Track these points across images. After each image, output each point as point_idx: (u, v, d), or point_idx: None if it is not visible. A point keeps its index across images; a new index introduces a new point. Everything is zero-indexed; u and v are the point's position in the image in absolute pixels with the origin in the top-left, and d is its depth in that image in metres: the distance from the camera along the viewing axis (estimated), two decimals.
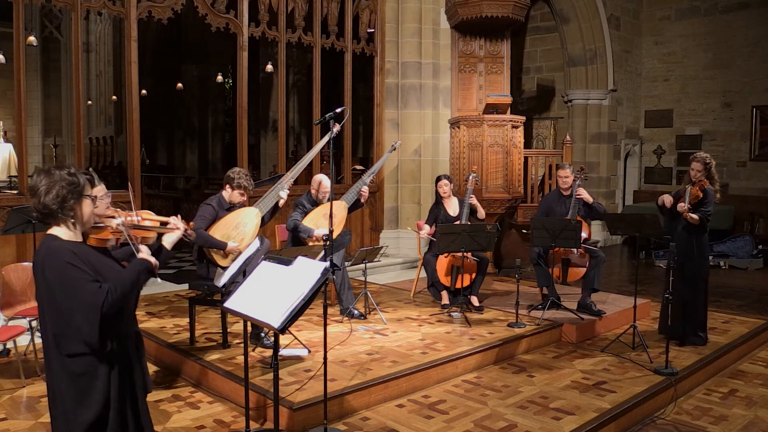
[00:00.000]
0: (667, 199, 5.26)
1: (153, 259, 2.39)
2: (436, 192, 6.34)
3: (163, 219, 4.29)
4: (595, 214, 5.99)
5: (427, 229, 6.25)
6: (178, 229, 2.64)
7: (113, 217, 3.64)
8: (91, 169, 2.47)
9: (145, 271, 2.35)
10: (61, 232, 2.26)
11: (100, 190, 2.47)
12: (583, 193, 5.90)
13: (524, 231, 7.37)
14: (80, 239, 2.31)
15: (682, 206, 5.05)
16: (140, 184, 6.48)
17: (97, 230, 2.37)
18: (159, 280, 2.66)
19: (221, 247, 4.79)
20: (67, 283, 2.14)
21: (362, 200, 6.11)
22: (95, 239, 2.36)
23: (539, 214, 6.18)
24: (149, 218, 4.11)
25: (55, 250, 2.18)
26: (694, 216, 5.05)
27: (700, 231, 5.18)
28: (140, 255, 2.38)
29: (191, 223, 4.67)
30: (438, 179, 6.34)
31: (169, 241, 2.61)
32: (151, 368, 4.53)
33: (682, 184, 5.32)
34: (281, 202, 5.36)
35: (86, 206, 2.29)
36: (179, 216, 2.74)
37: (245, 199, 5.10)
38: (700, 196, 5.07)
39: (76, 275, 2.14)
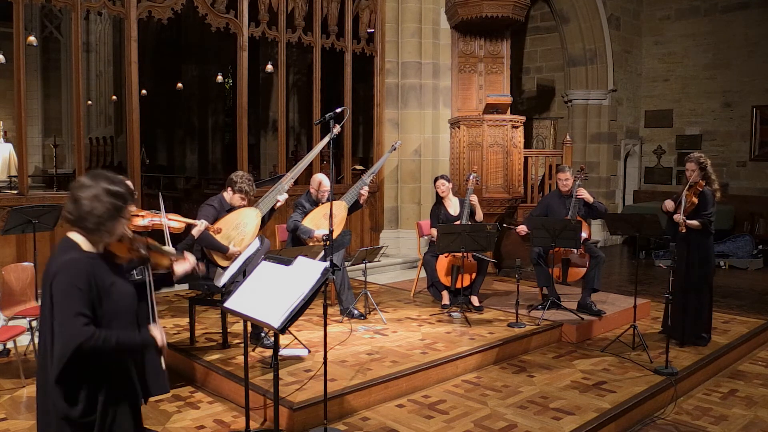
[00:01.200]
0: (669, 204, 5.24)
1: (161, 339, 2.29)
2: (437, 192, 6.34)
3: (190, 221, 4.30)
4: (596, 213, 5.99)
5: (434, 233, 6.21)
6: (188, 261, 2.62)
7: (139, 215, 3.63)
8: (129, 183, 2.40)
9: (146, 348, 2.27)
10: (82, 240, 2.21)
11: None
12: (584, 193, 5.90)
13: (505, 225, 7.36)
14: (100, 251, 2.24)
15: (678, 217, 4.99)
16: (140, 184, 6.48)
17: (116, 243, 2.32)
18: (163, 366, 2.52)
19: (223, 250, 4.80)
20: (63, 306, 2.07)
21: (361, 201, 6.10)
22: (111, 252, 2.31)
23: (537, 212, 6.18)
24: (176, 219, 4.13)
25: (72, 266, 2.11)
26: (694, 222, 5.02)
27: (705, 234, 5.13)
28: (153, 329, 2.29)
29: (219, 227, 4.71)
30: (436, 179, 6.34)
31: (180, 270, 2.59)
32: None
33: (681, 186, 5.30)
34: (278, 205, 5.36)
35: (119, 226, 2.24)
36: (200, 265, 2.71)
37: (245, 203, 5.11)
38: (695, 203, 5.03)
39: (74, 304, 2.06)
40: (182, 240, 4.60)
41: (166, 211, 4.00)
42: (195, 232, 4.38)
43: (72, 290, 2.07)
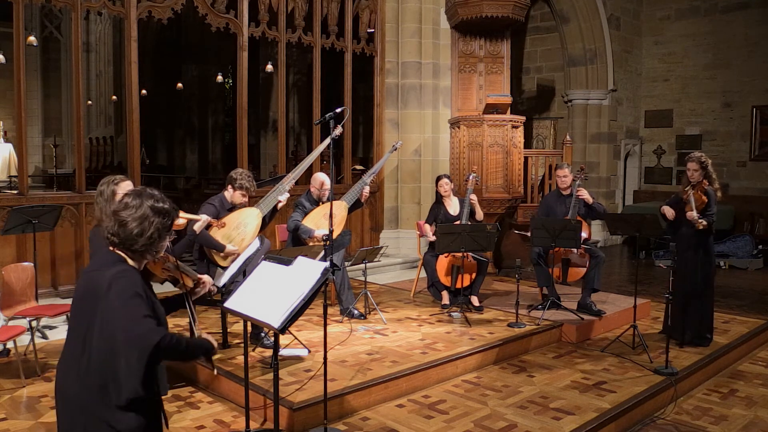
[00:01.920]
0: (669, 212, 5.22)
1: (216, 344, 2.27)
2: (437, 191, 6.34)
3: (192, 216, 4.31)
4: (595, 214, 5.99)
5: (428, 230, 6.21)
6: (207, 284, 2.64)
7: None
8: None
9: (205, 352, 2.21)
10: (127, 257, 2.14)
11: (127, 185, 2.40)
12: (584, 193, 5.90)
13: (516, 231, 7.36)
14: (141, 269, 2.19)
15: (693, 215, 4.98)
16: (140, 184, 6.47)
17: (152, 263, 2.28)
18: (215, 372, 2.56)
19: (219, 248, 4.80)
20: (130, 310, 1.99)
21: (362, 200, 6.11)
22: (148, 270, 2.27)
23: (539, 214, 6.18)
24: (180, 215, 4.13)
25: (128, 275, 2.05)
26: (705, 222, 5.02)
27: (708, 233, 5.14)
28: (206, 336, 2.27)
29: (223, 221, 4.73)
30: (438, 178, 6.34)
31: (199, 293, 2.59)
32: None
33: (681, 186, 5.30)
34: (279, 206, 5.35)
35: (165, 244, 2.19)
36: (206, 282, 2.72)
37: (246, 200, 5.10)
38: (705, 202, 5.03)
39: (141, 307, 2.00)
40: (182, 236, 4.59)
41: None
42: (197, 227, 4.38)
43: (135, 297, 2.01)
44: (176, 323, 5.44)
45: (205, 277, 2.64)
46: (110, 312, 2.00)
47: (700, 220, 4.98)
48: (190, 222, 4.44)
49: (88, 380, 2.04)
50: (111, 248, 2.15)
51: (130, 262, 2.14)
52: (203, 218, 4.53)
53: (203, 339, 2.23)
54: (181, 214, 4.23)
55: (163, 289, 2.98)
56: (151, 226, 2.10)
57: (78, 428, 2.09)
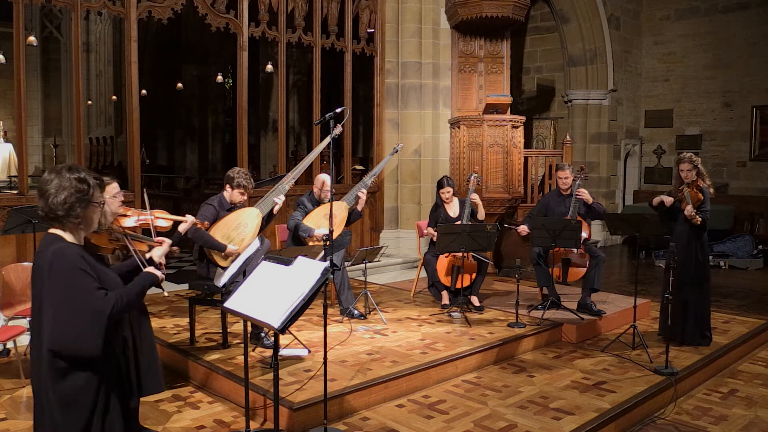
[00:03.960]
0: (667, 199, 5.25)
1: (160, 273, 2.40)
2: (438, 195, 6.28)
3: (178, 218, 4.27)
4: (595, 215, 5.99)
5: (430, 231, 6.20)
6: (164, 243, 2.67)
7: (126, 216, 3.64)
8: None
9: (151, 284, 2.35)
10: (63, 233, 2.23)
11: (113, 188, 2.44)
12: (584, 193, 5.90)
13: (506, 225, 7.34)
14: (81, 243, 2.28)
15: (690, 209, 5.04)
16: (140, 184, 6.48)
17: (96, 235, 2.35)
18: (165, 293, 2.67)
19: (220, 248, 4.79)
20: (76, 288, 2.10)
21: (359, 207, 6.02)
22: (92, 243, 2.34)
23: (536, 211, 6.18)
24: (163, 216, 4.11)
25: (65, 253, 2.14)
26: (699, 217, 5.07)
27: (701, 230, 5.19)
28: (147, 269, 2.40)
29: (206, 223, 4.70)
30: (441, 185, 6.21)
31: (157, 254, 2.61)
32: None
33: (673, 186, 5.31)
34: (276, 208, 5.31)
35: (93, 213, 2.27)
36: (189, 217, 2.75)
37: (245, 198, 5.09)
38: (701, 198, 5.08)
39: (86, 281, 2.12)
40: (170, 236, 4.54)
41: (152, 208, 3.98)
42: (182, 228, 4.31)
43: (77, 272, 2.11)
44: (176, 323, 5.44)
45: (163, 239, 2.69)
46: (55, 290, 2.10)
47: (696, 216, 5.04)
48: (176, 223, 4.37)
49: (41, 360, 2.14)
50: (49, 229, 2.24)
51: (68, 238, 2.22)
52: (189, 219, 4.41)
53: (146, 275, 2.37)
54: (167, 215, 4.20)
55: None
56: (65, 191, 2.17)
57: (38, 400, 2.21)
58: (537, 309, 5.76)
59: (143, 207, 4.29)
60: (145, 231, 3.73)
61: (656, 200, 5.32)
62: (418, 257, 7.05)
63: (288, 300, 2.88)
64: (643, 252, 10.34)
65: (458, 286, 5.93)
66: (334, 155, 5.39)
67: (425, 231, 6.34)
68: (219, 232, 4.84)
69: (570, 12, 11.43)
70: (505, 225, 7.34)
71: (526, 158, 8.41)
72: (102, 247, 2.36)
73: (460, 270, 5.90)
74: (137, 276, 2.38)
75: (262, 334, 4.73)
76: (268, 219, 5.31)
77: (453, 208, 6.24)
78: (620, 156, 12.34)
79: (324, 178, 5.85)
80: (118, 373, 2.32)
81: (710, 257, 9.20)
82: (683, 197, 5.10)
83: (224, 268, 4.64)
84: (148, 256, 2.58)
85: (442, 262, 6.02)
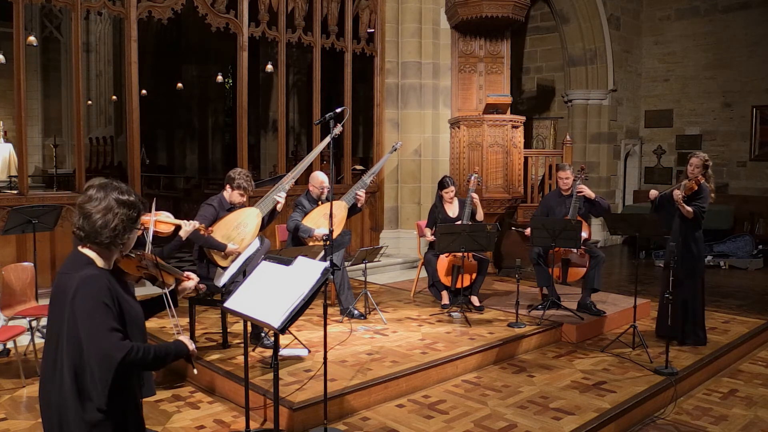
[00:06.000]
0: (652, 193, 5.31)
1: (192, 346, 2.23)
2: (440, 194, 6.27)
3: (178, 222, 4.27)
4: (599, 210, 5.95)
5: (428, 233, 6.21)
6: (191, 280, 2.55)
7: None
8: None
9: (178, 356, 2.17)
10: (95, 256, 2.09)
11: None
12: (585, 190, 5.89)
13: (513, 228, 7.34)
14: (111, 267, 2.15)
15: (678, 194, 5.04)
16: (140, 184, 6.49)
17: (126, 260, 2.23)
18: (195, 371, 2.48)
19: (221, 248, 4.79)
20: (94, 322, 1.95)
21: (359, 205, 6.05)
22: (120, 269, 2.21)
23: (539, 213, 6.17)
24: (165, 221, 4.11)
25: (94, 282, 2.00)
26: (688, 208, 5.04)
27: (695, 227, 5.17)
28: (181, 337, 2.23)
29: (210, 228, 4.69)
30: (444, 185, 6.19)
31: (183, 285, 2.52)
32: None
33: (678, 182, 5.32)
34: (279, 206, 5.32)
35: (133, 237, 2.15)
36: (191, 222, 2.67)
37: (245, 199, 5.09)
38: (695, 188, 5.07)
39: (106, 319, 1.96)
40: (171, 239, 4.54)
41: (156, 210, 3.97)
42: (182, 233, 4.29)
43: (100, 306, 1.96)
44: (176, 323, 5.43)
45: (191, 275, 2.58)
46: (75, 321, 1.97)
47: (684, 204, 5.01)
48: (177, 227, 4.35)
49: (64, 387, 2.02)
50: (80, 247, 2.12)
51: (99, 262, 2.10)
52: (192, 224, 4.39)
53: (176, 343, 2.19)
54: (169, 219, 4.18)
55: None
56: (115, 218, 2.05)
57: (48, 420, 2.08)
58: (537, 309, 5.76)
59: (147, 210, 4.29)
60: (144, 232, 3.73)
61: (651, 194, 5.33)
62: (418, 257, 7.06)
63: (288, 300, 2.88)
64: (643, 252, 10.33)
65: (458, 286, 5.93)
66: (334, 155, 5.39)
67: (424, 233, 6.34)
68: (219, 232, 4.84)
69: (570, 12, 11.43)
70: (512, 228, 7.34)
71: (526, 158, 8.41)
72: (129, 274, 2.29)
73: (460, 270, 5.90)
74: (169, 342, 2.20)
75: (262, 334, 4.73)
76: (269, 218, 5.31)
77: (453, 208, 6.23)
78: (620, 156, 12.34)
79: (321, 177, 5.85)
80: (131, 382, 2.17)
81: (709, 257, 9.30)
82: (678, 186, 5.11)
83: (224, 268, 4.64)
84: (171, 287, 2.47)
85: (443, 262, 6.02)
